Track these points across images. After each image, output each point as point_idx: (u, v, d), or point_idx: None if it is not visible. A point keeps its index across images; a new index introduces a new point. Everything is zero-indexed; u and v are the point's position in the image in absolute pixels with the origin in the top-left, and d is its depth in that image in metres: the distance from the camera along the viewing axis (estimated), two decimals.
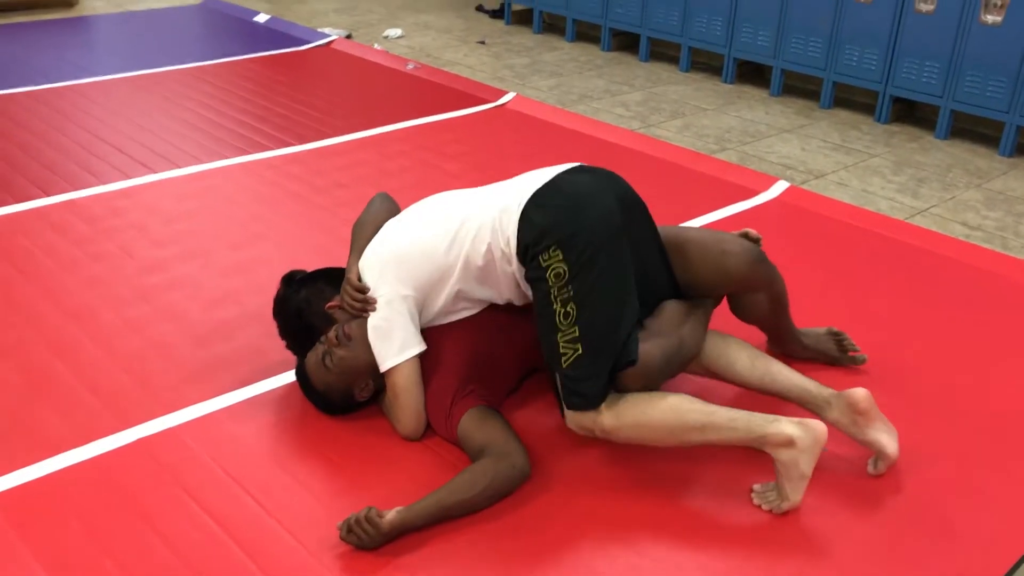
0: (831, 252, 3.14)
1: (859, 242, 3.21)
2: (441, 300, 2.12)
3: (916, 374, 2.43)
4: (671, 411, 1.91)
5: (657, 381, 1.99)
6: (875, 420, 2.01)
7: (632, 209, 2.09)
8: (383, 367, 2.07)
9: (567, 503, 1.95)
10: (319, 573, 1.75)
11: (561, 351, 1.94)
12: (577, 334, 1.92)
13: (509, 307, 2.21)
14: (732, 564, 1.80)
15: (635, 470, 2.05)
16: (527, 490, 1.96)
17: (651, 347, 1.98)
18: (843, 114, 4.85)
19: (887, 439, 2.01)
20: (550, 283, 1.94)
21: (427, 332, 2.14)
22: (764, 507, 1.92)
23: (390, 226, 2.21)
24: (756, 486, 1.96)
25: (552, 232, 1.95)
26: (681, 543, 1.85)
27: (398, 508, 1.80)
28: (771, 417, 1.90)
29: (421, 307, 2.11)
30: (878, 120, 4.72)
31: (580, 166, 2.13)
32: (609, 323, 1.94)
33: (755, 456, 2.00)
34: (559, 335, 1.94)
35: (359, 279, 2.12)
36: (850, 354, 2.43)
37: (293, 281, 2.29)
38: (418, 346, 2.08)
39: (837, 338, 2.44)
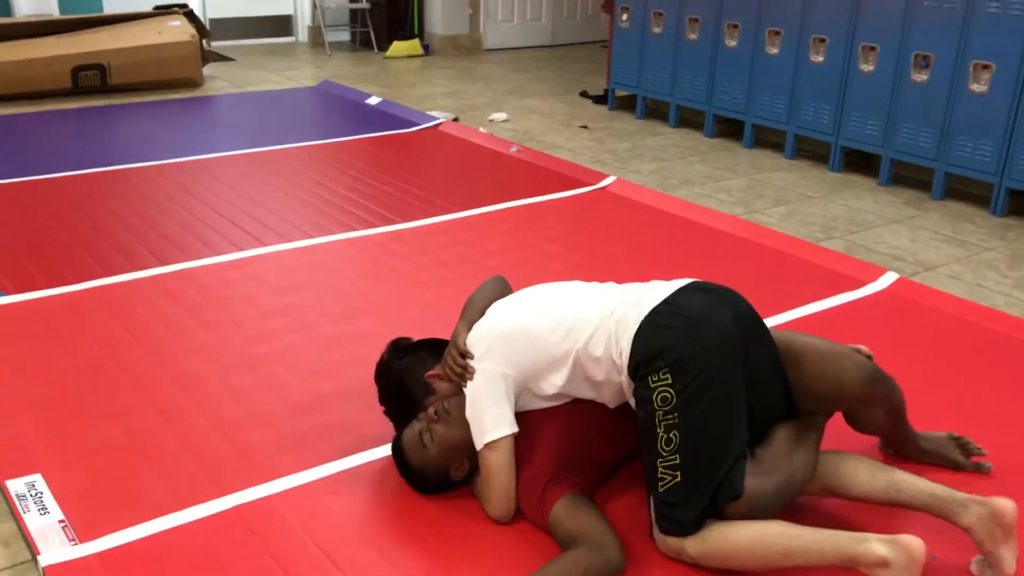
0: (943, 347, 3.01)
1: (973, 338, 3.07)
2: (541, 390, 2.11)
3: None
4: (755, 539, 1.85)
5: (769, 514, 1.92)
6: (1012, 536, 1.88)
7: (749, 328, 2.05)
8: (478, 443, 2.06)
9: None
10: None
11: (659, 476, 1.91)
12: (678, 462, 1.89)
13: None
14: None
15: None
16: None
17: (762, 482, 1.92)
18: (955, 206, 4.71)
19: (1011, 557, 1.89)
20: (656, 406, 1.92)
21: (522, 415, 2.12)
22: None
23: (503, 305, 2.23)
24: None
25: (665, 355, 1.93)
26: None
27: None
28: (859, 536, 1.80)
29: (520, 391, 2.11)
30: (993, 213, 4.56)
31: (696, 283, 2.11)
32: (713, 455, 1.90)
33: None
34: (659, 460, 1.91)
35: (464, 347, 2.14)
36: (974, 459, 2.29)
37: (398, 347, 2.32)
38: (510, 427, 2.06)
39: (959, 442, 2.31)
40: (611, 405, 2.14)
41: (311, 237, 3.89)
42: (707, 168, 5.30)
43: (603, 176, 4.78)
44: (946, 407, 2.59)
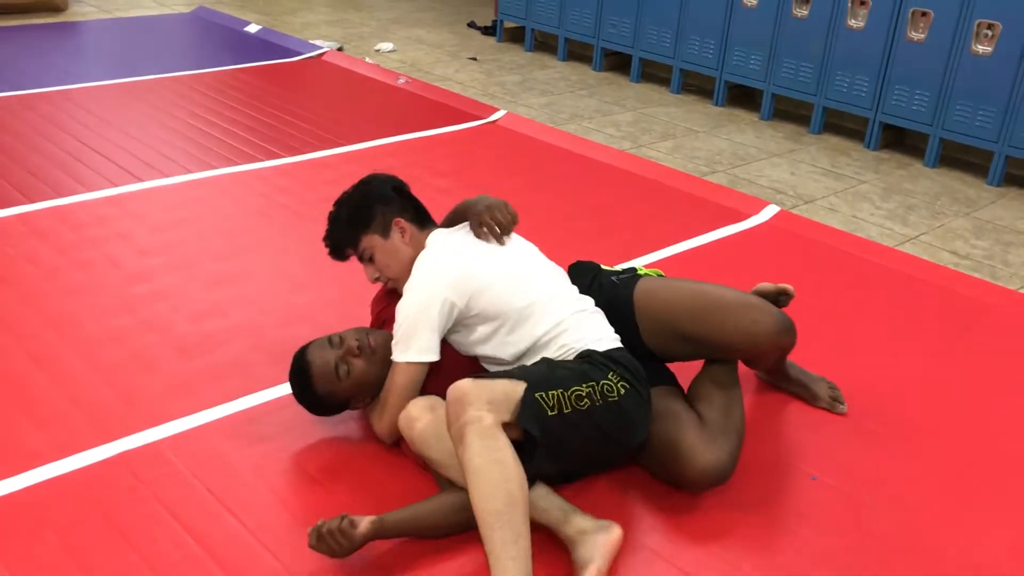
0: (821, 277, 3.13)
1: (849, 268, 3.21)
2: (473, 334, 2.06)
3: (902, 403, 2.42)
4: (502, 470, 1.72)
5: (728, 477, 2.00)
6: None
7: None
8: (397, 355, 1.99)
9: (541, 537, 1.92)
10: None
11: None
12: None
13: None
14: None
15: (613, 502, 2.03)
16: None
17: (720, 453, 1.98)
18: (833, 139, 4.87)
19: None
20: (585, 391, 1.85)
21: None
22: None
23: (485, 244, 2.13)
24: None
25: (622, 365, 1.93)
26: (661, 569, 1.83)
27: (371, 518, 1.76)
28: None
29: (456, 321, 2.03)
30: (867, 146, 4.74)
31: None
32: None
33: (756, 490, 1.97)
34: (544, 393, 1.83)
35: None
36: (831, 399, 2.37)
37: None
38: (433, 356, 2.00)
39: (828, 384, 2.40)
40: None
41: (191, 172, 3.73)
42: (596, 102, 5.32)
43: (493, 109, 4.74)
44: (820, 333, 2.70)
